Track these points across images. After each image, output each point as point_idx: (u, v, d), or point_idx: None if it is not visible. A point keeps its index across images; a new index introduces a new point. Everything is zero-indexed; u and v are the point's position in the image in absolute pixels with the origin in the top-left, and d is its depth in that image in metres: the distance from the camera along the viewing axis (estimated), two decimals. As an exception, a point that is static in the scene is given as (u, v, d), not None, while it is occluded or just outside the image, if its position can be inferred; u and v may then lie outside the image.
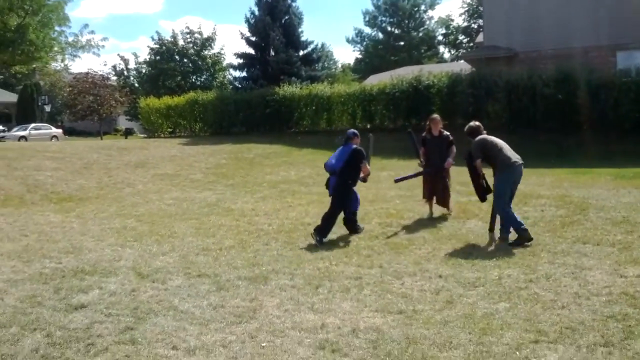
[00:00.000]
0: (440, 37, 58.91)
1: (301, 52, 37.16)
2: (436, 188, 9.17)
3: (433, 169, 9.09)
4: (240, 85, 37.21)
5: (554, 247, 6.92)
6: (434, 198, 9.28)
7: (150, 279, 6.24)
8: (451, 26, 57.56)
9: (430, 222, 8.80)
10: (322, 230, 7.82)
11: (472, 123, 8.01)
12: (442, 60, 55.63)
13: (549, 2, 22.17)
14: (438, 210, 9.38)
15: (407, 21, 56.22)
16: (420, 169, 9.41)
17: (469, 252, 6.92)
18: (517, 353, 4.07)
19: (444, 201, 9.24)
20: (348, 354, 4.19)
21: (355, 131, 8.53)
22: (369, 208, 10.04)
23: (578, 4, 21.64)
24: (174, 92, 33.87)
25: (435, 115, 9.50)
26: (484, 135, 7.79)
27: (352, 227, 8.26)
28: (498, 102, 19.92)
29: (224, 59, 45.57)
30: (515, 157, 7.56)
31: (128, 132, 46.75)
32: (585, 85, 18.93)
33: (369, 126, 23.67)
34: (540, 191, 10.79)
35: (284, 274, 6.21)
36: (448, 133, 9.25)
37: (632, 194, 10.58)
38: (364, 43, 58.60)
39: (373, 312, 4.98)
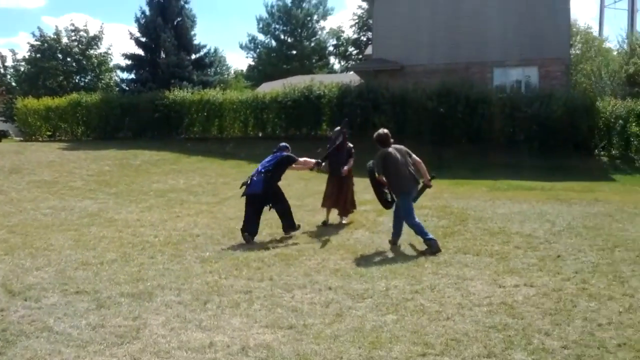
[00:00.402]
0: (331, 48, 60.04)
1: (193, 56, 36.34)
2: (338, 196, 9.67)
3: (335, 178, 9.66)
4: (127, 88, 35.70)
5: (437, 258, 7.20)
6: (332, 205, 9.77)
7: (22, 296, 5.77)
8: (342, 37, 58.85)
9: (319, 232, 8.90)
10: (291, 224, 8.53)
11: (382, 131, 8.11)
12: (332, 71, 56.72)
13: (434, 19, 23.26)
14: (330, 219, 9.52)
15: (299, 30, 56.79)
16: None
17: (357, 262, 7.05)
18: (405, 366, 4.19)
19: (342, 209, 9.77)
20: (236, 373, 4.09)
21: (287, 144, 9.42)
22: (261, 219, 9.93)
23: (461, 21, 22.87)
24: (55, 93, 31.81)
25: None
26: (388, 150, 7.89)
27: (291, 221, 8.68)
28: (384, 114, 20.50)
29: (111, 59, 43.46)
30: (405, 181, 7.78)
31: (2, 135, 43.35)
32: (465, 99, 20.01)
33: (260, 134, 23.59)
34: (423, 202, 11.17)
35: (170, 290, 5.97)
36: (351, 145, 9.97)
37: (507, 205, 11.31)
38: (258, 50, 58.47)
39: (263, 328, 4.90)
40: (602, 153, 20.45)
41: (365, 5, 46.98)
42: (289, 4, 56.36)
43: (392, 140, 8.04)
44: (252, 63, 59.50)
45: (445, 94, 20.27)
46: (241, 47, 59.93)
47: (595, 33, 46.78)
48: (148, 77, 34.02)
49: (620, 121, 20.22)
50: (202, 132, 24.55)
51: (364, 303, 5.50)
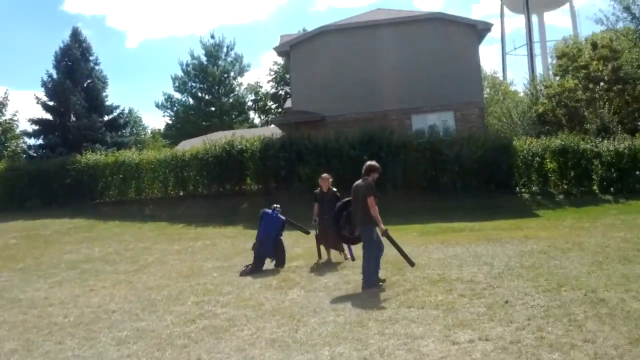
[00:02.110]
0: (250, 103, 59.91)
1: (106, 117, 35.08)
2: (328, 237, 10.35)
3: (325, 219, 10.30)
4: (35, 154, 33.84)
5: (380, 315, 6.66)
6: (326, 245, 10.56)
7: None
8: (260, 92, 59.01)
9: (251, 296, 8.13)
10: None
11: (374, 162, 8.57)
12: (252, 125, 56.45)
13: (351, 70, 23.48)
14: (261, 282, 8.78)
15: (217, 87, 56.40)
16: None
17: (296, 328, 6.36)
18: None
19: (337, 246, 10.49)
20: None
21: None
22: (184, 285, 9.13)
23: (378, 70, 23.22)
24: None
25: (324, 175, 10.83)
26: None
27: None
28: (309, 165, 20.24)
29: (17, 126, 41.36)
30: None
31: None
32: (387, 146, 20.07)
33: (182, 193, 22.59)
34: (356, 251, 10.72)
35: (78, 385, 5.07)
36: (335, 189, 10.69)
37: (440, 249, 11.03)
38: (175, 108, 57.46)
39: None
40: (523, 190, 20.94)
41: (280, 60, 47.57)
42: (205, 62, 56.07)
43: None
44: (170, 122, 58.32)
45: (367, 141, 20.32)
46: (157, 106, 58.40)
47: (501, 78, 49.38)
48: (57, 141, 32.46)
49: (537, 158, 20.90)
50: (118, 195, 23.11)
51: (308, 379, 4.83)
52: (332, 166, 20.07)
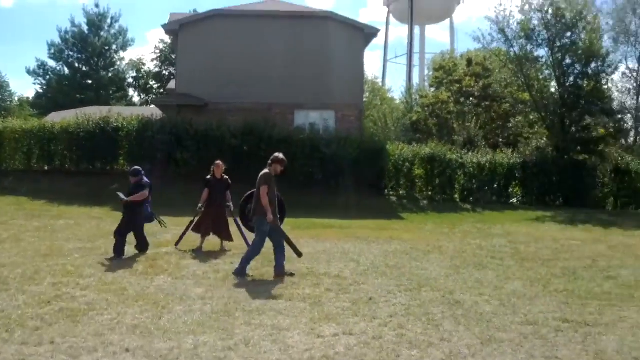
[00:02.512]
0: (130, 80, 57.32)
1: (-32, 79, 31.93)
2: (219, 224, 10.42)
3: (214, 207, 10.41)
4: None
5: (248, 305, 6.68)
6: (212, 233, 10.50)
7: None
8: (142, 70, 56.66)
9: (114, 280, 7.80)
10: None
11: (280, 155, 8.68)
12: (131, 103, 54.07)
13: (240, 59, 23.17)
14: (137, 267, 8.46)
15: (96, 59, 53.29)
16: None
17: (159, 315, 6.20)
18: None
19: (226, 235, 10.51)
20: None
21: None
22: (42, 264, 8.57)
23: (265, 62, 23.12)
24: None
25: (219, 162, 10.76)
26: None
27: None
28: (187, 150, 19.82)
29: None
30: None
31: None
32: (268, 139, 20.16)
33: (46, 167, 21.13)
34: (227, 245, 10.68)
35: None
36: (227, 177, 10.76)
37: (311, 244, 11.26)
38: (47, 77, 53.50)
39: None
40: (391, 193, 21.96)
41: (167, 39, 45.95)
42: (86, 32, 52.78)
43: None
44: (40, 90, 54.31)
45: (249, 132, 20.31)
46: (28, 72, 54.08)
47: (380, 83, 51.26)
48: None
49: (407, 164, 22.02)
50: (-25, 165, 21.14)
51: (170, 367, 4.74)
52: (212, 154, 19.67)
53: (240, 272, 8.22)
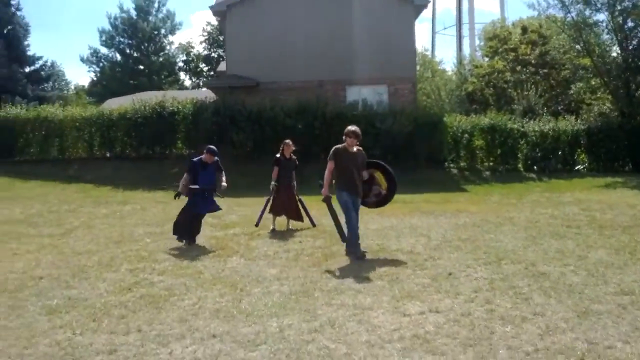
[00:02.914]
0: (181, 64, 57.93)
1: (27, 69, 32.83)
2: (288, 204, 10.36)
3: (283, 187, 10.33)
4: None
5: (325, 285, 6.55)
6: (283, 213, 10.41)
7: None
8: (192, 53, 57.15)
9: (189, 264, 7.81)
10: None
11: (351, 127, 8.25)
12: (183, 87, 54.74)
13: (288, 37, 22.97)
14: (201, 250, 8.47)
15: (146, 44, 54.08)
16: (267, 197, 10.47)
17: (239, 298, 6.14)
18: None
19: (297, 214, 10.45)
20: None
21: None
22: (116, 251, 8.69)
23: (315, 40, 22.82)
24: None
25: (288, 140, 10.67)
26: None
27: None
28: (242, 131, 19.86)
29: None
30: None
31: None
32: (322, 116, 19.99)
33: (108, 154, 21.58)
34: (292, 221, 10.58)
35: (8, 358, 4.65)
36: (295, 157, 10.77)
37: (376, 220, 11.05)
38: (101, 64, 54.65)
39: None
40: (451, 165, 21.48)
41: (214, 21, 46.08)
42: (134, 17, 53.51)
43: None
44: (95, 78, 55.56)
45: (302, 111, 20.18)
46: (82, 60, 55.32)
47: (430, 56, 50.22)
48: (-27, 92, 30.22)
49: (466, 135, 21.44)
50: (40, 153, 21.64)
51: (259, 351, 4.64)
52: (266, 134, 19.77)
53: (355, 255, 7.93)
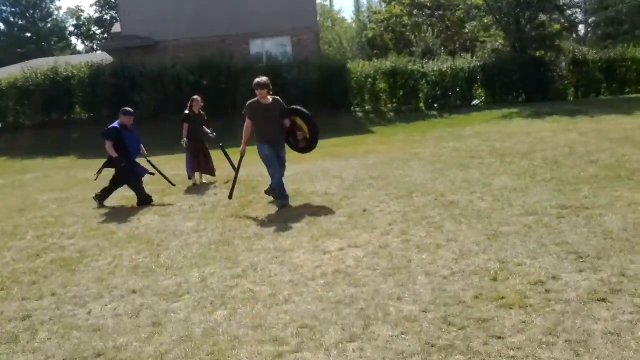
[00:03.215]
0: (71, 28, 54.75)
1: None
2: (201, 159, 10.25)
3: (195, 143, 10.16)
4: None
5: (244, 232, 6.54)
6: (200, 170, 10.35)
7: None
8: (82, 17, 54.11)
9: (100, 226, 7.52)
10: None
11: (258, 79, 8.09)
12: (75, 52, 51.82)
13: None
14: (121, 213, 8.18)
15: (32, 11, 50.51)
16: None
17: (157, 253, 6.02)
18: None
19: (210, 170, 10.42)
20: None
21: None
22: (20, 219, 8.24)
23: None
24: None
25: (196, 96, 10.67)
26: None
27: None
28: (145, 92, 19.17)
29: None
30: None
31: None
32: (227, 70, 19.64)
33: (0, 125, 20.24)
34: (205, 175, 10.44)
35: None
36: (203, 113, 10.67)
37: (289, 167, 10.73)
38: (-17, 35, 50.62)
39: (59, 363, 3.74)
40: (357, 109, 21.88)
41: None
42: (16, -15, 49.67)
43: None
44: (-23, 49, 51.36)
45: (206, 67, 19.69)
46: (-38, 32, 51.01)
47: (329, 5, 50.24)
48: None
49: (370, 80, 21.82)
50: None
51: (182, 302, 4.58)
52: (170, 92, 19.18)
53: (281, 199, 7.86)
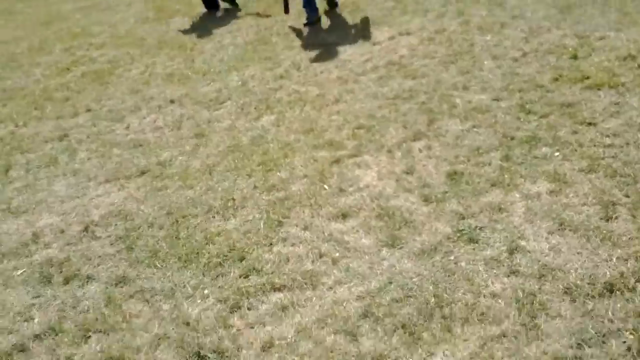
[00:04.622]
0: None
1: None
2: None
3: None
4: None
5: (282, 29, 5.93)
6: None
7: None
8: None
9: (128, 32, 6.98)
10: None
11: None
12: None
13: None
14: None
15: None
16: None
17: (192, 58, 5.56)
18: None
19: None
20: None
21: None
22: (45, 32, 7.76)
23: None
24: None
25: None
26: None
27: None
28: None
29: None
30: None
31: None
32: None
33: None
34: None
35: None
36: None
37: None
38: None
39: (103, 185, 3.52)
40: None
41: None
42: None
43: None
44: None
45: None
46: None
47: None
48: None
49: None
50: None
51: (224, 109, 4.24)
52: None
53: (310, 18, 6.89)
